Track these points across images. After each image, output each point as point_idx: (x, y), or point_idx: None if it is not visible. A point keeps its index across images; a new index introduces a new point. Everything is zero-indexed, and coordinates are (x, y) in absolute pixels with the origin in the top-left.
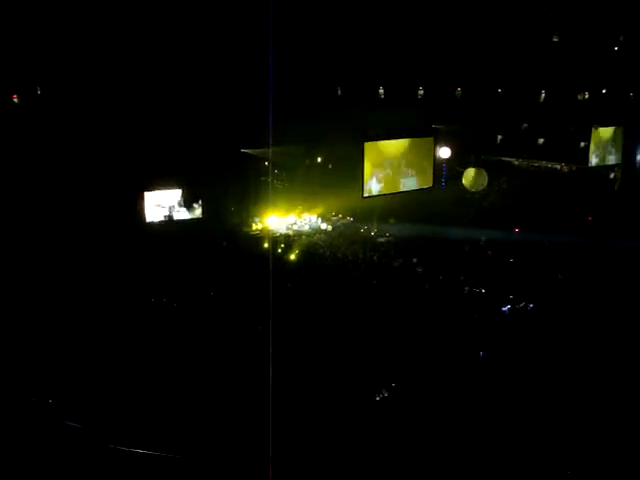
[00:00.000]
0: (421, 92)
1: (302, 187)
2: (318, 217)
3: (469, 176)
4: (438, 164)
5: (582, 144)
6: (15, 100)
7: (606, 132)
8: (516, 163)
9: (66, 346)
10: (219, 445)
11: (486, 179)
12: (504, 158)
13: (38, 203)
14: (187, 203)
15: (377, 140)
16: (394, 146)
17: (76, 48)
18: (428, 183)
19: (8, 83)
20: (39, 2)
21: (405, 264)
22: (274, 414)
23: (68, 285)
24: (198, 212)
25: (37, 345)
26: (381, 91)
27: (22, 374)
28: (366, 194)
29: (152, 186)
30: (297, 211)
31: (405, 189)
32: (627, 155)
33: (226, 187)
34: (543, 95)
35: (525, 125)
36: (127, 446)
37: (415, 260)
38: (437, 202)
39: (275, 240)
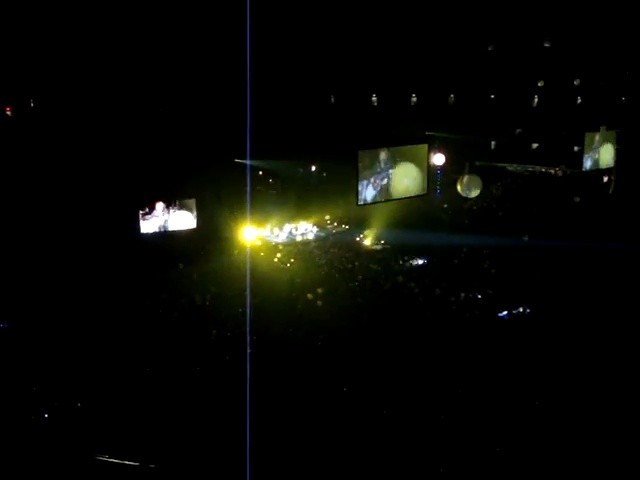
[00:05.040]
0: (414, 99)
1: (297, 196)
2: (313, 225)
3: (463, 182)
4: (432, 171)
5: (576, 148)
6: (8, 112)
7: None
8: (510, 168)
9: (61, 353)
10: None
11: (480, 185)
12: (498, 164)
13: (32, 215)
14: (182, 213)
15: (371, 148)
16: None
17: (69, 60)
18: (423, 190)
19: (1, 95)
20: (32, 16)
21: (400, 272)
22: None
23: (63, 295)
24: (192, 222)
25: (33, 352)
26: (374, 99)
27: (17, 381)
28: (361, 202)
29: (146, 197)
30: (292, 220)
31: (400, 196)
32: (621, 159)
33: (220, 197)
34: (536, 100)
35: (519, 130)
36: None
37: (410, 268)
38: (432, 209)
39: (270, 249)
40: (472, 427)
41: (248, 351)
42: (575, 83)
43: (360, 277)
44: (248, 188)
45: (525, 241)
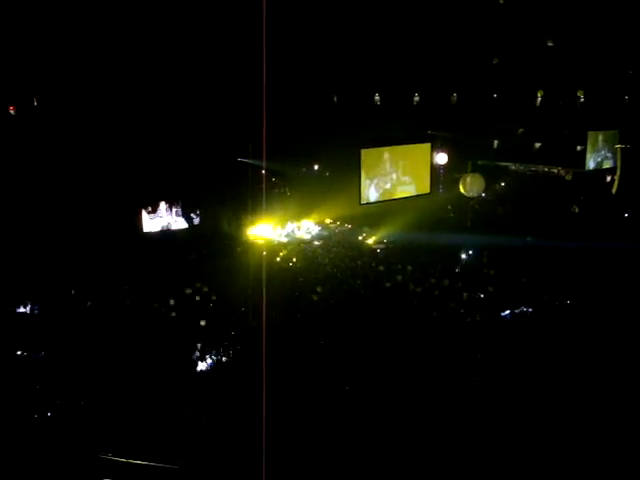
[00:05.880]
0: (417, 98)
1: (299, 195)
2: (316, 224)
3: (466, 182)
4: (435, 170)
5: (578, 148)
6: (11, 111)
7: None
8: (513, 168)
9: (64, 351)
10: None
11: (483, 184)
12: (501, 163)
13: (36, 213)
14: (185, 212)
15: (374, 147)
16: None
17: (73, 59)
18: (425, 189)
19: (5, 94)
20: (35, 17)
21: (403, 271)
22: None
23: (67, 293)
24: (196, 221)
25: (37, 350)
26: (377, 98)
27: (18, 381)
28: (363, 201)
29: (150, 196)
30: (295, 219)
31: (402, 196)
32: (624, 158)
33: (223, 196)
34: (539, 100)
35: (521, 130)
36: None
37: (413, 267)
38: (434, 208)
39: (273, 248)
40: (474, 426)
41: (250, 350)
42: (578, 83)
43: (362, 276)
44: (249, 187)
45: (529, 242)
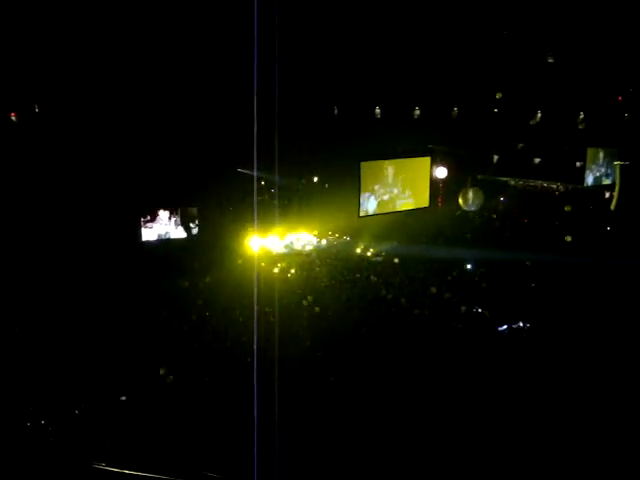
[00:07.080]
0: (417, 112)
1: (298, 206)
2: (314, 236)
3: (466, 196)
4: (434, 184)
5: (578, 164)
6: (13, 118)
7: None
8: (512, 183)
9: (60, 361)
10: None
11: (482, 199)
12: (500, 178)
13: (36, 220)
14: (183, 222)
15: (373, 160)
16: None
17: (74, 66)
18: (424, 203)
19: (5, 101)
20: (36, 21)
21: (401, 284)
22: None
23: (64, 301)
24: (194, 231)
25: (32, 359)
26: (378, 111)
27: (16, 388)
28: (362, 214)
29: (148, 205)
30: (293, 230)
31: (401, 209)
32: (624, 175)
33: (222, 206)
34: (539, 115)
35: (521, 145)
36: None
37: (410, 280)
38: (433, 222)
39: (271, 259)
40: (471, 440)
41: (248, 360)
42: (578, 99)
43: (360, 288)
44: (247, 198)
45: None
